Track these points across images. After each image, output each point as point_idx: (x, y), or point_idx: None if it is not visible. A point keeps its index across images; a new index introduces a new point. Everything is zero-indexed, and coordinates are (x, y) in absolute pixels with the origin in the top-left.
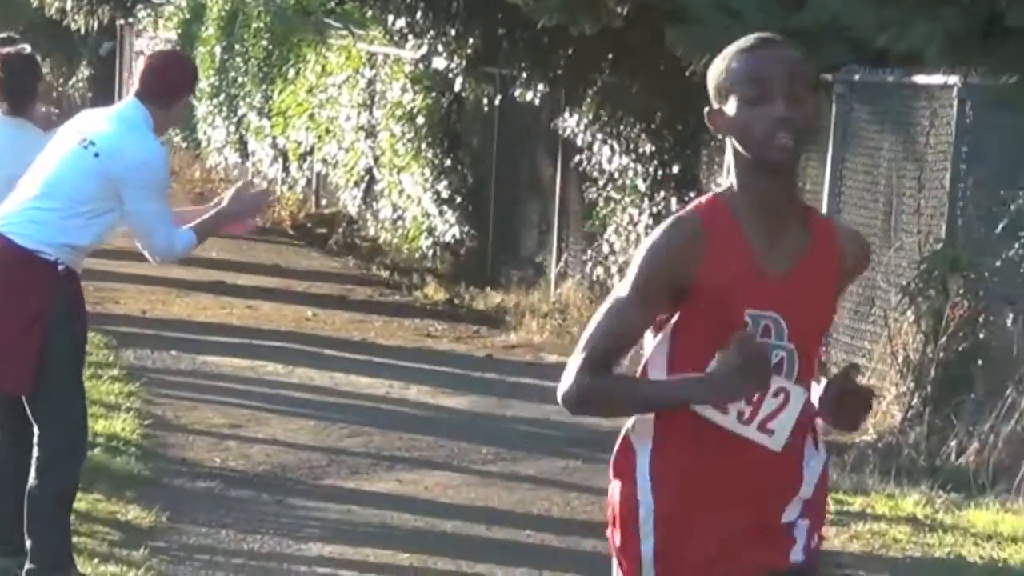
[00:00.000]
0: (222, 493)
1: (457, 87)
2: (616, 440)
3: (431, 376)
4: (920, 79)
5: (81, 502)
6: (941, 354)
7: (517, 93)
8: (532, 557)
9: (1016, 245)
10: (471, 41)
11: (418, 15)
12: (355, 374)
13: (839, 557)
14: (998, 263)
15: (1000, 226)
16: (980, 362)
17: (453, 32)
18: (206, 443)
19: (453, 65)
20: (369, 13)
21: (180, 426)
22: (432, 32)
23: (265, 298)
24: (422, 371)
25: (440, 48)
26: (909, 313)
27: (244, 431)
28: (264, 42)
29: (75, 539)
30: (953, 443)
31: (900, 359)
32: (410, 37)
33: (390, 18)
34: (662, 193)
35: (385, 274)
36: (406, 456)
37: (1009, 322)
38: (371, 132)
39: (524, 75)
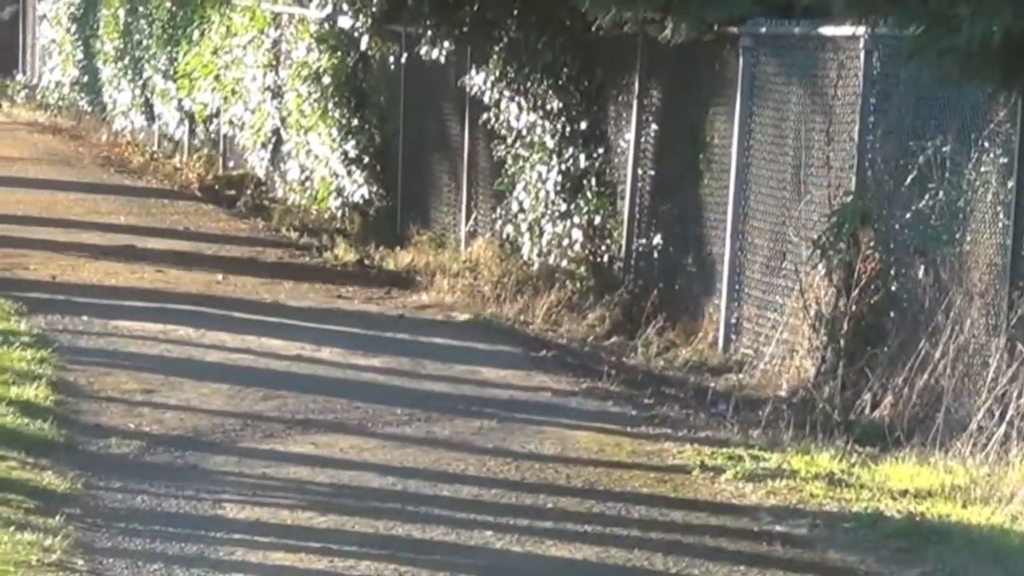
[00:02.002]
0: (137, 458)
1: (363, 46)
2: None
3: (343, 337)
4: (827, 31)
5: None
6: (853, 307)
7: (423, 51)
8: (448, 518)
9: (925, 196)
10: (375, 0)
11: None
12: (267, 337)
13: (756, 512)
14: (908, 215)
15: (909, 178)
16: (892, 314)
17: None
18: (120, 408)
19: (358, 24)
20: None
21: (93, 392)
22: None
23: (175, 262)
24: (334, 332)
25: (344, 7)
26: (820, 267)
27: (158, 396)
28: (168, 4)
29: None
30: (867, 397)
31: (812, 313)
32: None
33: None
34: (570, 150)
35: (294, 235)
36: (320, 419)
37: (920, 274)
38: (277, 93)
39: (429, 33)
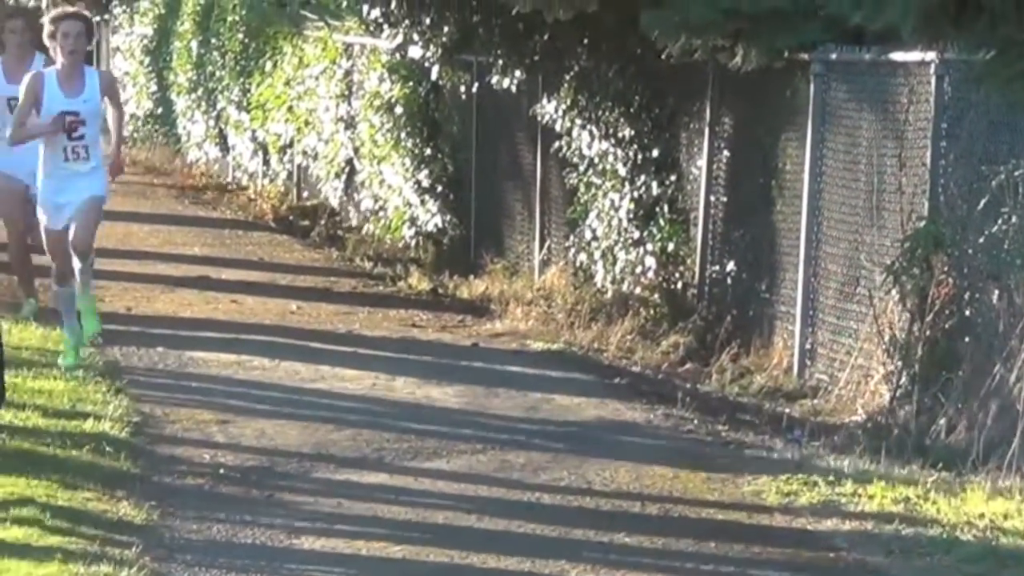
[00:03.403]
0: (212, 489)
1: (434, 76)
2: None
3: (417, 366)
4: (897, 56)
5: (72, 501)
6: (927, 332)
7: (494, 80)
8: (523, 547)
9: (999, 221)
10: (446, 29)
11: (392, 4)
12: (341, 366)
13: (832, 539)
14: (981, 239)
15: (982, 202)
16: (966, 339)
17: (428, 21)
18: (194, 439)
19: (429, 54)
20: (344, 3)
21: (168, 423)
22: (407, 21)
23: (249, 292)
24: (408, 362)
25: (415, 37)
26: (894, 292)
27: (232, 427)
28: (240, 35)
29: (66, 539)
30: (942, 421)
31: (887, 338)
32: (385, 27)
33: (365, 8)
34: (642, 177)
35: (368, 265)
36: (395, 448)
37: (994, 298)
38: (350, 123)
39: (500, 62)
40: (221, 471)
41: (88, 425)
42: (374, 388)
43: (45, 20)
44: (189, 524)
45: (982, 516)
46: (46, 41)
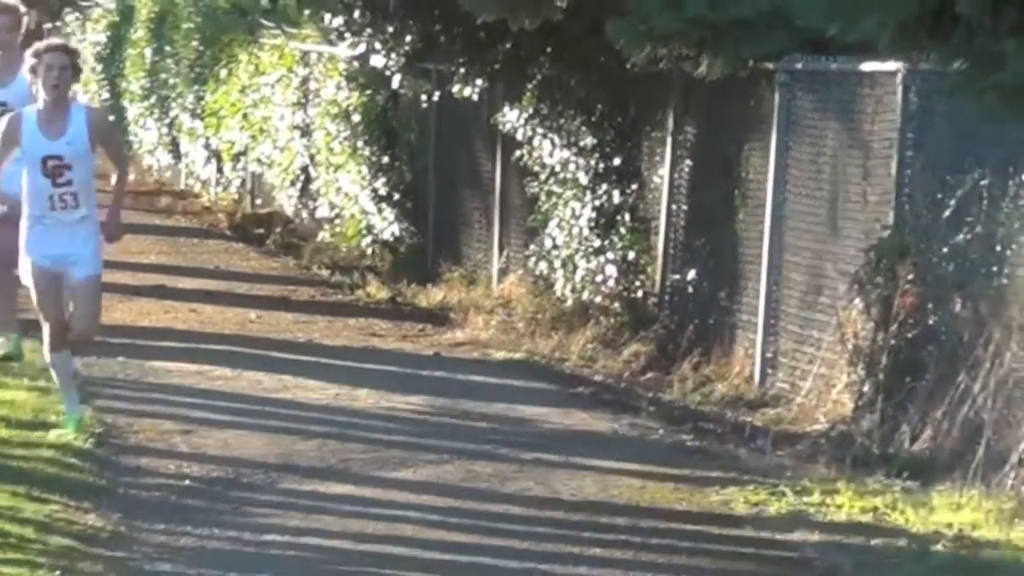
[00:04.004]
0: (179, 500)
1: (395, 84)
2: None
3: (380, 376)
4: (863, 66)
5: (38, 513)
6: (892, 341)
7: (455, 89)
8: (494, 559)
9: (963, 231)
10: (408, 38)
11: (355, 13)
12: (304, 376)
13: (802, 549)
14: (945, 249)
15: (947, 212)
16: (931, 348)
17: (390, 30)
18: (159, 450)
19: (391, 63)
20: (306, 12)
21: (132, 433)
22: (369, 30)
23: (207, 301)
24: (370, 371)
25: (377, 46)
26: (857, 301)
27: (196, 437)
28: (195, 43)
29: (33, 551)
30: (906, 430)
31: (850, 347)
32: (347, 35)
33: (327, 17)
34: (604, 186)
35: (325, 273)
36: (361, 459)
37: (959, 308)
38: (306, 131)
39: (462, 71)
40: (187, 482)
41: (52, 436)
42: (337, 398)
43: (27, 52)
44: (157, 536)
45: (950, 526)
46: (26, 75)
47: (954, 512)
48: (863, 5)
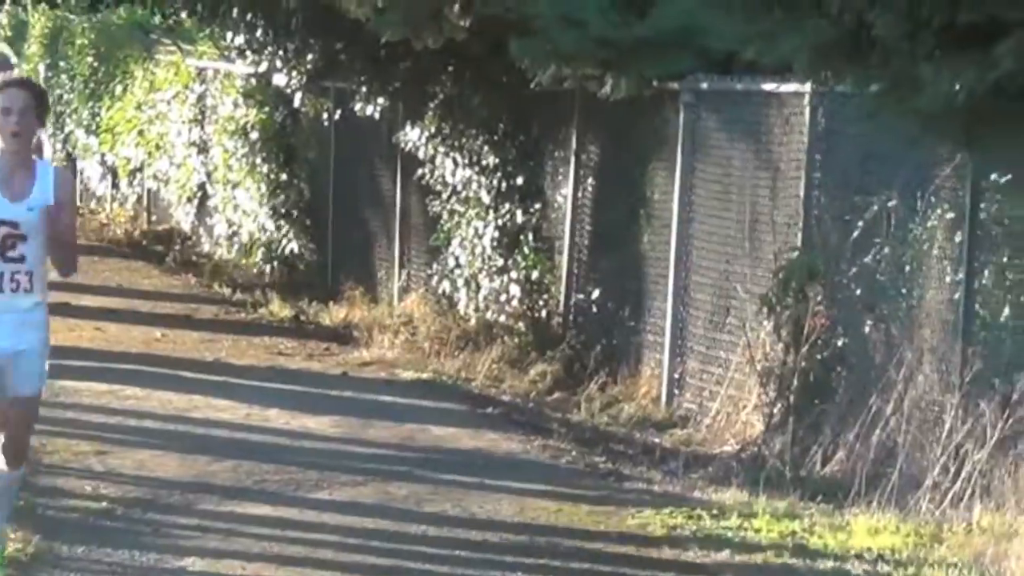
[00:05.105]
0: (98, 522)
1: (296, 103)
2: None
3: (290, 397)
4: (770, 86)
5: None
6: (803, 363)
7: (357, 107)
8: None
9: (872, 251)
10: (310, 57)
11: (258, 32)
12: (213, 396)
13: (723, 573)
14: (854, 270)
15: (855, 233)
16: (842, 370)
17: (292, 48)
18: (75, 470)
19: (293, 81)
20: (208, 30)
21: (46, 453)
22: (271, 48)
23: (111, 319)
24: (280, 391)
25: (279, 64)
26: (767, 322)
27: (111, 458)
28: (90, 59)
29: None
30: (818, 453)
31: (759, 368)
32: (248, 53)
33: (228, 35)
34: (507, 205)
35: (227, 291)
36: (276, 480)
37: (869, 329)
38: (203, 147)
39: (363, 89)
40: (104, 503)
41: None
42: (249, 418)
43: None
44: (78, 558)
45: (870, 550)
46: None
47: (872, 536)
48: (780, 28)
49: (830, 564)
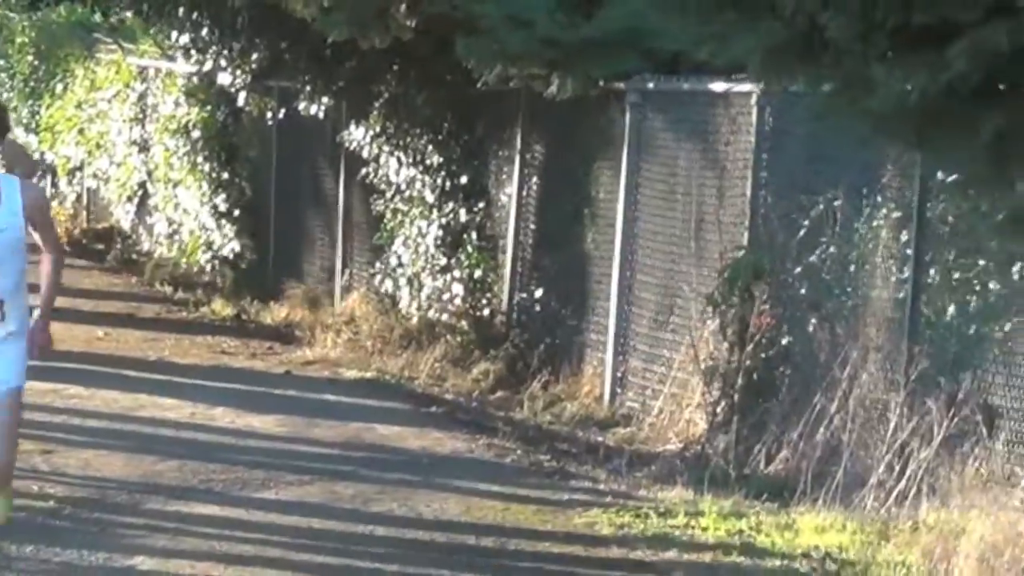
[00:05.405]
0: (46, 522)
1: (240, 102)
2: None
3: (234, 396)
4: (716, 86)
5: None
6: (747, 362)
7: (301, 106)
8: None
9: (817, 250)
10: (255, 56)
11: (203, 31)
12: (158, 395)
13: (672, 571)
14: (800, 269)
15: (801, 233)
16: (786, 369)
17: (237, 47)
18: (20, 469)
19: (237, 80)
20: (152, 29)
21: None
22: (215, 47)
23: (53, 318)
24: (224, 390)
25: (223, 63)
26: (711, 321)
27: (57, 457)
28: (30, 57)
29: None
30: (762, 451)
31: (703, 367)
32: (193, 52)
33: (173, 34)
34: (450, 204)
35: (169, 290)
36: (222, 479)
37: (813, 328)
38: (144, 146)
39: (308, 88)
40: (52, 503)
41: None
42: (194, 417)
43: None
44: (27, 558)
45: (817, 548)
46: None
47: (819, 534)
48: (733, 29)
49: (778, 563)
